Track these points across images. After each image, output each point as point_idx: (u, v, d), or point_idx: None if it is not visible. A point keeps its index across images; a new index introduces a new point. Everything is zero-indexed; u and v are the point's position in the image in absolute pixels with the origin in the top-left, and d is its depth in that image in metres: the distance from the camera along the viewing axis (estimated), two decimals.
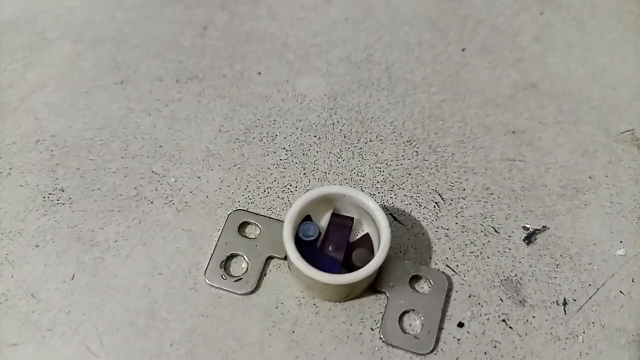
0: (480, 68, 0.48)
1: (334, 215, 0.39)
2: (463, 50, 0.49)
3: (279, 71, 0.47)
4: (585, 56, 0.49)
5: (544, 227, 0.41)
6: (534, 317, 0.38)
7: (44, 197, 0.41)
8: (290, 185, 0.42)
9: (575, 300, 0.38)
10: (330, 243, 0.37)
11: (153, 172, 0.42)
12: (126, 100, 0.45)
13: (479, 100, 0.46)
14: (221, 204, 0.41)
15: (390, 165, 0.43)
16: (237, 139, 0.44)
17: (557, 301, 0.38)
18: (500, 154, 0.44)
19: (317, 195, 0.37)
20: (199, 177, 0.42)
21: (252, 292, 0.38)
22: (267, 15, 0.50)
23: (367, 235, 0.39)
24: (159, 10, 0.50)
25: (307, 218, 0.38)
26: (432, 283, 0.38)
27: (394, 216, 0.41)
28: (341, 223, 0.38)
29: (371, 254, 0.37)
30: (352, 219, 0.39)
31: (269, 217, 0.40)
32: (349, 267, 0.37)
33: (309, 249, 0.37)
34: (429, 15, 0.51)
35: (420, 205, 0.41)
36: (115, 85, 0.45)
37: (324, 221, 0.39)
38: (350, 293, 0.37)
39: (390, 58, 0.48)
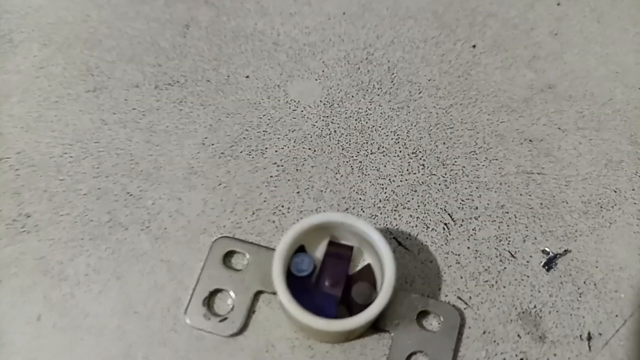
0: (492, 68, 0.44)
1: (330, 244, 0.35)
2: (473, 47, 0.44)
3: (269, 74, 0.43)
4: (606, 52, 0.45)
5: (565, 251, 0.37)
6: (555, 355, 0.34)
7: (8, 225, 0.36)
8: (282, 207, 0.38)
9: (600, 335, 0.35)
10: (326, 278, 0.33)
11: (128, 193, 0.37)
12: (99, 111, 0.40)
13: (492, 105, 0.42)
14: (204, 229, 0.37)
15: (393, 181, 0.39)
16: (222, 153, 0.39)
17: (580, 336, 0.35)
18: (515, 167, 0.40)
19: (310, 225, 0.33)
20: (179, 199, 0.37)
21: (239, 333, 0.34)
22: (255, 11, 0.45)
23: (368, 267, 0.34)
24: (136, 8, 0.45)
25: (301, 249, 0.34)
26: (442, 319, 0.34)
27: (398, 240, 0.37)
28: (339, 254, 0.34)
29: (373, 288, 0.34)
30: (352, 248, 0.34)
31: (258, 245, 0.36)
32: (349, 304, 0.33)
33: (303, 286, 0.33)
34: (435, 8, 0.46)
35: (428, 227, 0.37)
36: (88, 94, 0.41)
37: (319, 251, 0.35)
38: (350, 335, 0.33)
39: (392, 57, 0.44)
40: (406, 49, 0.44)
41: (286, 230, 0.33)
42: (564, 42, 0.45)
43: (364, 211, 0.38)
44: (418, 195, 0.38)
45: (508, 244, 0.37)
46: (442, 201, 0.38)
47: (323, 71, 0.43)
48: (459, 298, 0.35)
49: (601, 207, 0.38)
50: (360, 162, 0.39)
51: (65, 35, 0.43)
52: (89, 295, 0.34)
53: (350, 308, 0.33)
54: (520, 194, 0.39)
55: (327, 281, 0.33)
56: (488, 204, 0.38)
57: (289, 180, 0.38)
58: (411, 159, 0.39)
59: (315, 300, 0.32)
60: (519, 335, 0.34)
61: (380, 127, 0.41)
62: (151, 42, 0.43)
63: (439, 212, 0.38)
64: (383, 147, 0.40)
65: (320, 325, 0.30)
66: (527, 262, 0.36)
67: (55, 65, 0.42)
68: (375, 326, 0.33)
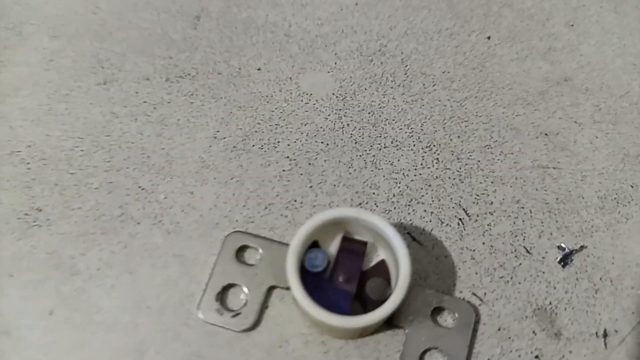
0: (508, 59, 0.43)
1: (344, 239, 0.34)
2: (488, 38, 0.44)
3: (280, 67, 0.42)
4: (623, 44, 0.44)
5: (581, 246, 0.36)
6: (570, 352, 0.34)
7: (19, 218, 0.36)
8: (295, 201, 0.37)
9: (616, 332, 0.34)
10: (340, 273, 0.33)
11: (140, 187, 0.37)
12: (110, 104, 0.40)
13: (507, 97, 0.41)
14: (217, 224, 0.36)
15: (407, 175, 0.38)
16: (234, 147, 0.39)
17: (596, 333, 0.34)
18: (531, 161, 0.39)
19: (324, 220, 0.32)
20: (191, 193, 0.37)
21: (252, 328, 0.33)
22: (267, 2, 0.45)
23: (382, 262, 0.34)
24: None
25: (314, 244, 0.34)
26: (456, 315, 0.34)
27: (412, 236, 0.36)
28: (353, 249, 0.34)
29: (387, 284, 0.33)
30: (366, 243, 0.34)
31: (271, 240, 0.35)
32: (362, 300, 0.33)
33: (317, 282, 0.33)
34: None
35: (442, 223, 0.37)
36: (98, 86, 0.41)
37: (333, 246, 0.34)
38: (364, 332, 0.33)
39: (406, 49, 0.43)
40: (420, 40, 0.43)
41: (299, 225, 0.32)
42: (580, 33, 0.44)
43: (377, 206, 0.37)
44: (432, 190, 0.38)
45: (523, 239, 0.36)
46: (457, 196, 0.38)
47: (335, 63, 0.42)
48: (474, 294, 0.35)
49: (618, 203, 0.38)
50: (374, 156, 0.39)
51: (75, 27, 0.43)
52: (101, 289, 0.34)
53: (364, 304, 0.33)
54: (536, 189, 0.38)
55: (341, 277, 0.33)
56: (503, 199, 0.38)
57: (301, 174, 0.38)
58: (425, 153, 0.39)
59: (329, 296, 0.32)
60: (534, 332, 0.34)
61: (393, 120, 0.40)
62: (162, 34, 0.43)
63: (453, 207, 0.37)
64: (397, 140, 0.39)
65: (335, 322, 0.30)
66: (543, 258, 0.36)
67: (65, 58, 0.42)
68: (390, 322, 0.33)
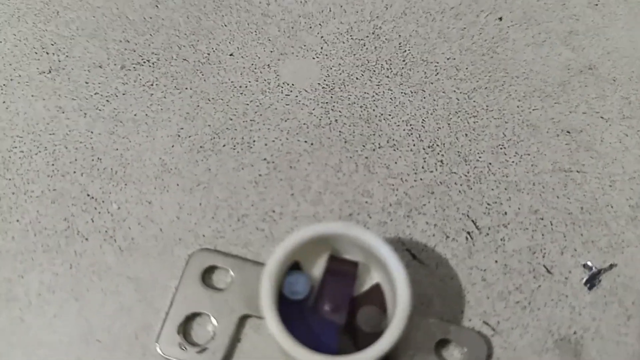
0: (522, 44, 0.39)
1: (331, 259, 0.30)
2: (499, 19, 0.40)
3: (257, 52, 0.38)
4: None
5: (610, 265, 0.33)
6: None
7: None
8: (273, 212, 0.33)
9: None
10: (326, 301, 0.29)
11: (88, 195, 0.33)
12: (55, 96, 0.36)
13: (522, 89, 0.37)
14: (179, 239, 0.32)
15: (406, 180, 0.34)
16: (201, 147, 0.35)
17: None
18: (551, 163, 0.35)
19: (307, 237, 0.28)
20: (149, 203, 0.33)
21: None
22: None
23: (377, 287, 0.30)
24: None
25: (295, 266, 0.30)
26: (465, 350, 0.30)
27: (412, 253, 0.32)
28: (342, 271, 0.30)
29: (383, 313, 0.29)
30: (357, 264, 0.30)
31: (244, 259, 0.31)
32: (353, 332, 0.29)
33: (298, 311, 0.29)
34: None
35: (448, 237, 0.33)
36: (42, 76, 0.36)
37: (317, 268, 0.30)
38: None
39: (404, 32, 0.39)
40: (420, 22, 0.39)
41: (278, 240, 0.29)
42: (606, 15, 0.40)
43: (370, 217, 0.33)
44: (436, 198, 0.34)
45: (543, 257, 0.33)
46: (465, 205, 0.34)
47: (322, 48, 0.38)
48: (485, 323, 0.31)
49: None
50: (367, 157, 0.35)
51: (16, 6, 0.39)
52: (43, 319, 0.30)
53: (355, 337, 0.29)
54: (557, 197, 0.34)
55: (327, 305, 0.29)
56: (519, 209, 0.34)
57: (281, 179, 0.34)
58: (427, 154, 0.35)
59: (312, 328, 0.28)
60: None
61: (390, 115, 0.36)
62: (117, 14, 0.39)
63: (460, 219, 0.33)
64: (393, 139, 0.36)
65: None
66: (566, 278, 0.32)
67: (3, 42, 0.38)
68: (386, 359, 0.28)
